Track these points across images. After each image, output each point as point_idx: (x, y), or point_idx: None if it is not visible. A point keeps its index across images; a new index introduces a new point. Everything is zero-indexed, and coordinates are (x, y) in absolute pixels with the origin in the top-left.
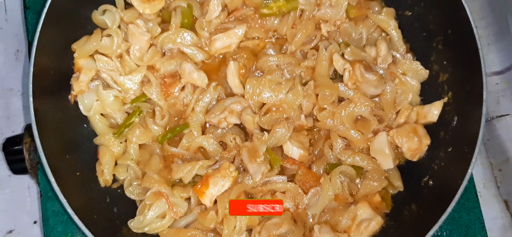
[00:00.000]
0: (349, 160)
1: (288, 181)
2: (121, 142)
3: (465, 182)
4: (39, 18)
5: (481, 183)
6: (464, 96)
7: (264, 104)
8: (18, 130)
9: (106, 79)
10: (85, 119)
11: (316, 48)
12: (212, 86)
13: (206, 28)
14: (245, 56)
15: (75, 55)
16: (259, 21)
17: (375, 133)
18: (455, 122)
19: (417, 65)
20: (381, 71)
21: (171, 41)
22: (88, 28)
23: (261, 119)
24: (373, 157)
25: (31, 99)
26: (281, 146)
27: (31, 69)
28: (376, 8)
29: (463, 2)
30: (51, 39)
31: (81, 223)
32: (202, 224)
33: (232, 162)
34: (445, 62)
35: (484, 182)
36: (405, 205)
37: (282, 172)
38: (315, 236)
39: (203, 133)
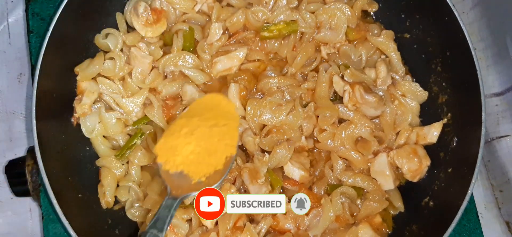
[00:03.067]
0: (349, 181)
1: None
2: (123, 164)
3: (465, 203)
4: (42, 41)
5: (482, 204)
6: (463, 117)
7: (264, 125)
8: (20, 152)
9: (109, 101)
10: (87, 141)
11: (316, 70)
12: None
13: (207, 51)
14: (246, 78)
15: (78, 78)
16: (260, 43)
17: (376, 154)
18: (454, 143)
19: (416, 86)
20: (380, 93)
21: (173, 64)
22: (91, 51)
23: (261, 141)
24: (373, 178)
25: (34, 121)
26: (282, 167)
27: (35, 92)
28: (375, 31)
29: (461, 25)
30: (54, 62)
31: None
32: None
33: (233, 183)
34: (444, 84)
35: (485, 203)
36: (406, 226)
37: (283, 193)
38: None
39: None
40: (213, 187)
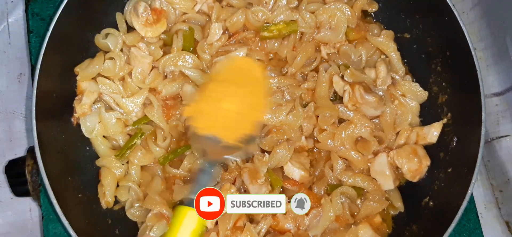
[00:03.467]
0: (349, 181)
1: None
2: (123, 164)
3: (465, 203)
4: (42, 41)
5: (482, 204)
6: (463, 117)
7: (264, 125)
8: (20, 152)
9: (109, 101)
10: (87, 141)
11: (316, 70)
12: None
13: (207, 51)
14: None
15: (78, 77)
16: (260, 43)
17: (375, 154)
18: (454, 143)
19: (416, 86)
20: (380, 93)
21: (173, 64)
22: (91, 51)
23: (261, 141)
24: (373, 178)
25: (34, 121)
26: (282, 167)
27: (35, 92)
28: (375, 31)
29: (461, 25)
30: (54, 62)
31: None
32: None
33: (233, 184)
34: (444, 84)
35: (485, 204)
36: (406, 226)
37: (283, 193)
38: None
39: None
40: (240, 150)
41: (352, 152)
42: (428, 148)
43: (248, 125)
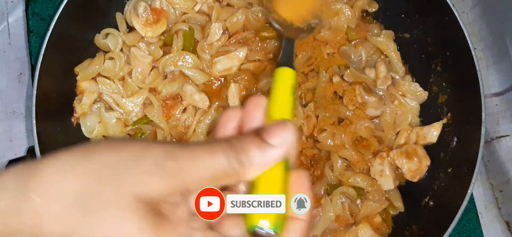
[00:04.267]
0: (349, 181)
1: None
2: None
3: (465, 203)
4: (42, 41)
5: (482, 204)
6: (463, 117)
7: None
8: (20, 152)
9: (109, 101)
10: (87, 141)
11: (316, 70)
12: (213, 108)
13: (207, 51)
14: (246, 78)
15: (78, 77)
16: (260, 43)
17: (375, 154)
18: (454, 143)
19: (416, 86)
20: (380, 93)
21: (173, 64)
22: (91, 51)
23: None
24: (373, 178)
25: (34, 121)
26: None
27: (35, 92)
28: (375, 31)
29: (461, 25)
30: (54, 62)
31: None
32: None
33: None
34: (444, 84)
35: (485, 204)
36: (406, 226)
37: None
38: None
39: None
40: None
41: (352, 152)
42: (428, 148)
43: (314, 11)
